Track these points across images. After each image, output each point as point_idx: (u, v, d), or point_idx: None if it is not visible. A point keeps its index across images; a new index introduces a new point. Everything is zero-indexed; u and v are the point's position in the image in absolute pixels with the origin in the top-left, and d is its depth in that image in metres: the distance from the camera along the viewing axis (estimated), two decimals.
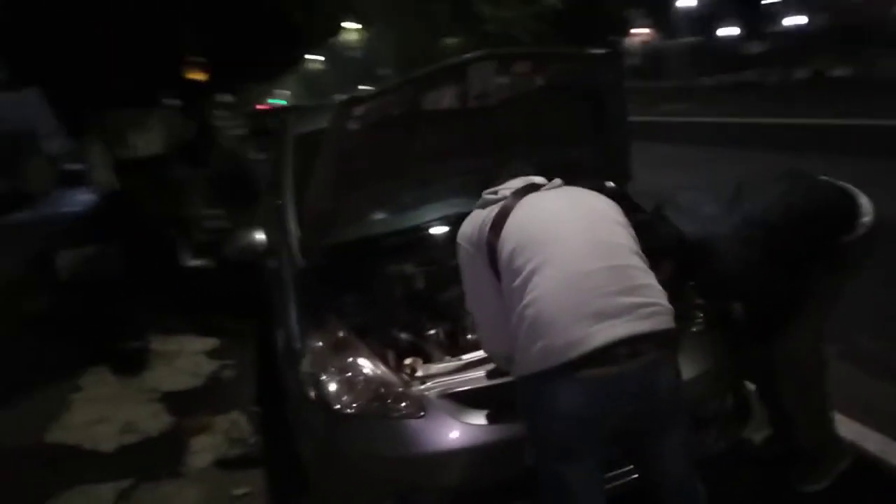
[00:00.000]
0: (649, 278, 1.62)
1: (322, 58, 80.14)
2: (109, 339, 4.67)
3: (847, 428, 2.69)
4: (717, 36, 30.12)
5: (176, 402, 3.84)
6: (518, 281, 1.63)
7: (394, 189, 2.67)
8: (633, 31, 41.06)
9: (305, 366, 2.28)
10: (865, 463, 2.58)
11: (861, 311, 3.16)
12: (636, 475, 1.95)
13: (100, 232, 6.76)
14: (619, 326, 1.51)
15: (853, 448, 2.58)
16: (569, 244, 1.65)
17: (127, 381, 4.15)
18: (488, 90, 2.39)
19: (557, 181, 1.90)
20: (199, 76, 9.47)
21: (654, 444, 1.72)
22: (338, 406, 2.16)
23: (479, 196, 1.95)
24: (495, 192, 1.84)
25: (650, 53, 34.05)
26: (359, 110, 2.22)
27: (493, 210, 1.79)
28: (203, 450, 3.26)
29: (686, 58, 29.35)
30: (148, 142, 6.44)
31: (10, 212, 11.77)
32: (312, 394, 2.21)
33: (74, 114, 7.37)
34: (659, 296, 1.59)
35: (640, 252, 1.69)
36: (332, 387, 2.20)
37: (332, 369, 2.24)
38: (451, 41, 41.13)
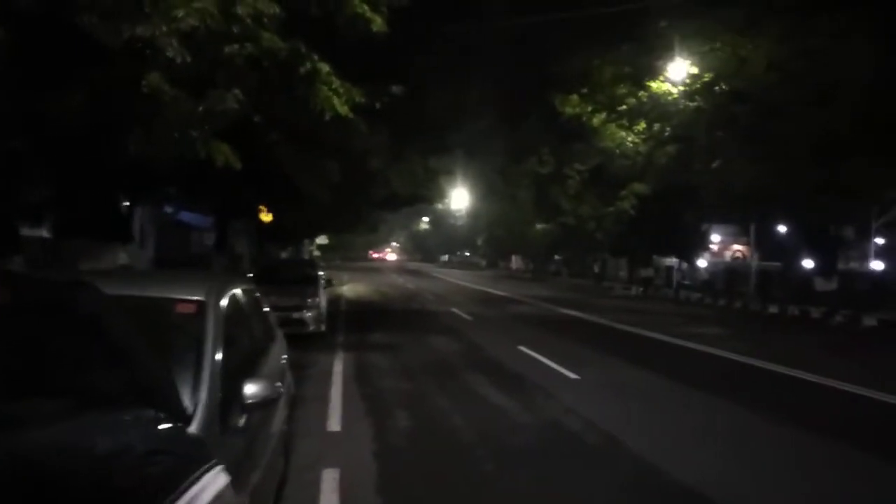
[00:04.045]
0: None
1: (427, 219, 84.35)
2: None
3: None
4: (798, 265, 28.93)
5: None
6: None
7: None
8: (734, 246, 40.64)
9: None
10: None
11: None
12: None
13: None
14: None
15: None
16: None
17: None
18: None
19: None
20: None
21: None
22: None
23: None
24: None
25: (726, 270, 33.26)
26: None
27: None
28: None
29: (759, 280, 28.26)
30: None
31: None
32: None
33: None
34: None
35: None
36: None
37: None
38: (540, 226, 42.24)
